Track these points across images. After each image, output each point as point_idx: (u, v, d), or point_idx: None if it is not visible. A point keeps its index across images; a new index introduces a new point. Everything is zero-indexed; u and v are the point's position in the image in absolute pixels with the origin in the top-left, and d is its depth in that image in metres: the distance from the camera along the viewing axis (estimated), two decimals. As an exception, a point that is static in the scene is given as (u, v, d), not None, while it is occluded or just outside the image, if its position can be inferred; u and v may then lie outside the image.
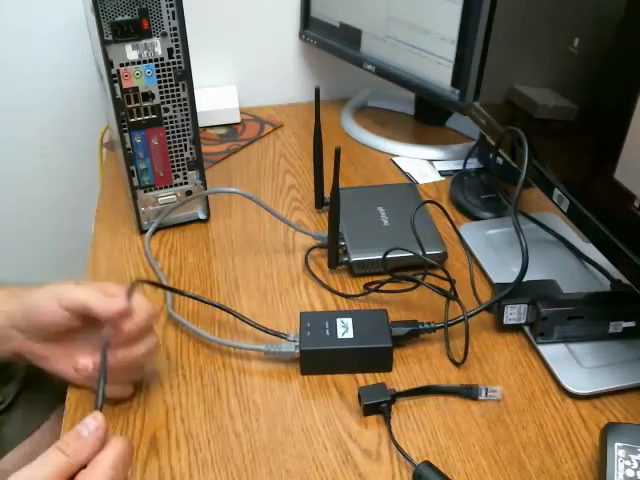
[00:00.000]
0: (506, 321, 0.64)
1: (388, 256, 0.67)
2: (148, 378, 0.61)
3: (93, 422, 0.43)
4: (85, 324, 0.54)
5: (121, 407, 0.58)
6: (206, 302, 0.66)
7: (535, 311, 0.62)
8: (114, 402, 0.58)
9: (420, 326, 0.63)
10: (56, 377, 0.58)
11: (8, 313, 0.56)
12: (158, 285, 0.70)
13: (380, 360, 0.61)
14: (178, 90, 0.74)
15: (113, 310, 0.51)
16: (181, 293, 0.64)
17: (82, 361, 0.53)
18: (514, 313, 0.63)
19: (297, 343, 0.61)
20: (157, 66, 0.71)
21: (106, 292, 0.53)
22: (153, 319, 0.55)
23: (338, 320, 0.62)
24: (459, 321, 0.63)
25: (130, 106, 0.72)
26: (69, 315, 0.53)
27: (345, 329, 0.61)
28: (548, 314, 0.61)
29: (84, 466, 0.42)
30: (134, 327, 0.53)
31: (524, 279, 0.63)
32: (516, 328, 0.65)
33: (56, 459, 0.41)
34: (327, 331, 0.61)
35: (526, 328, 0.64)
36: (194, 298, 0.66)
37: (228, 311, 0.64)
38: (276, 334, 0.62)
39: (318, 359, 0.61)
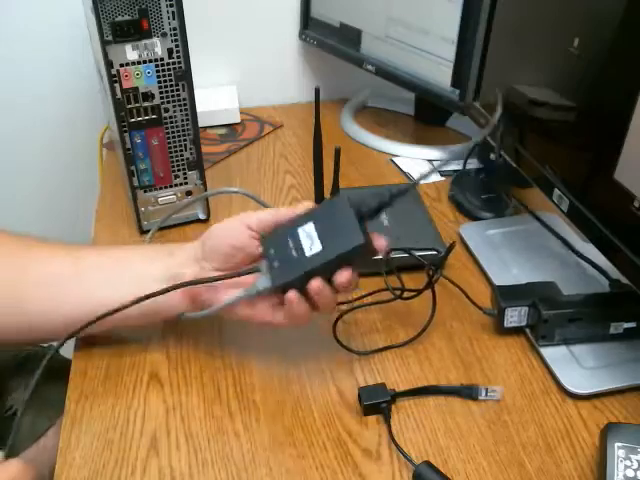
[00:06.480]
0: (507, 324, 0.63)
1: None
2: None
3: None
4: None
5: (121, 407, 0.58)
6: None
7: (536, 313, 0.62)
8: (114, 403, 0.59)
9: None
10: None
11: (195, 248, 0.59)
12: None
13: (359, 257, 0.54)
14: (178, 90, 0.74)
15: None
16: None
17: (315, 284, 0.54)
18: (515, 316, 0.63)
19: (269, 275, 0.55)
20: (157, 66, 0.71)
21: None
22: None
23: (300, 231, 0.55)
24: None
25: (130, 106, 0.72)
26: (255, 235, 0.57)
27: (311, 241, 0.54)
28: (549, 316, 0.61)
29: None
30: None
31: (524, 281, 0.62)
32: (516, 329, 0.65)
33: None
34: (293, 251, 0.54)
35: (527, 330, 0.64)
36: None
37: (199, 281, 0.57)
38: (248, 272, 0.57)
39: (295, 287, 0.54)
